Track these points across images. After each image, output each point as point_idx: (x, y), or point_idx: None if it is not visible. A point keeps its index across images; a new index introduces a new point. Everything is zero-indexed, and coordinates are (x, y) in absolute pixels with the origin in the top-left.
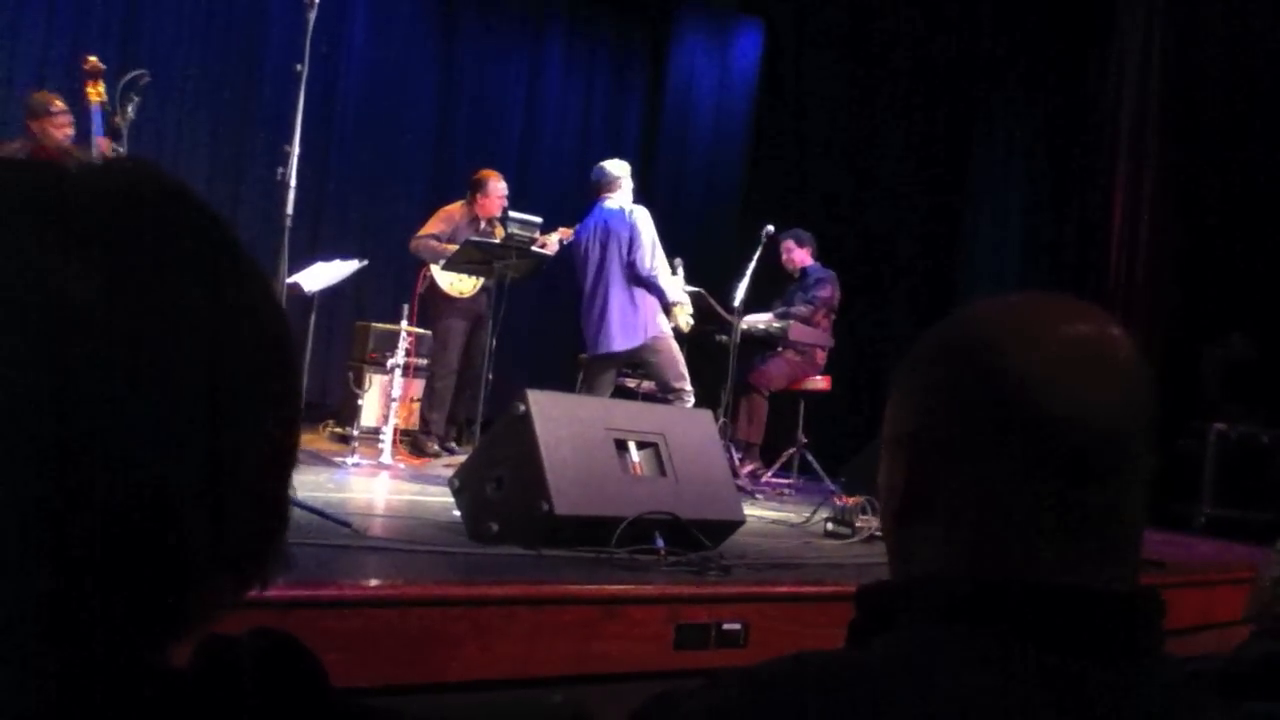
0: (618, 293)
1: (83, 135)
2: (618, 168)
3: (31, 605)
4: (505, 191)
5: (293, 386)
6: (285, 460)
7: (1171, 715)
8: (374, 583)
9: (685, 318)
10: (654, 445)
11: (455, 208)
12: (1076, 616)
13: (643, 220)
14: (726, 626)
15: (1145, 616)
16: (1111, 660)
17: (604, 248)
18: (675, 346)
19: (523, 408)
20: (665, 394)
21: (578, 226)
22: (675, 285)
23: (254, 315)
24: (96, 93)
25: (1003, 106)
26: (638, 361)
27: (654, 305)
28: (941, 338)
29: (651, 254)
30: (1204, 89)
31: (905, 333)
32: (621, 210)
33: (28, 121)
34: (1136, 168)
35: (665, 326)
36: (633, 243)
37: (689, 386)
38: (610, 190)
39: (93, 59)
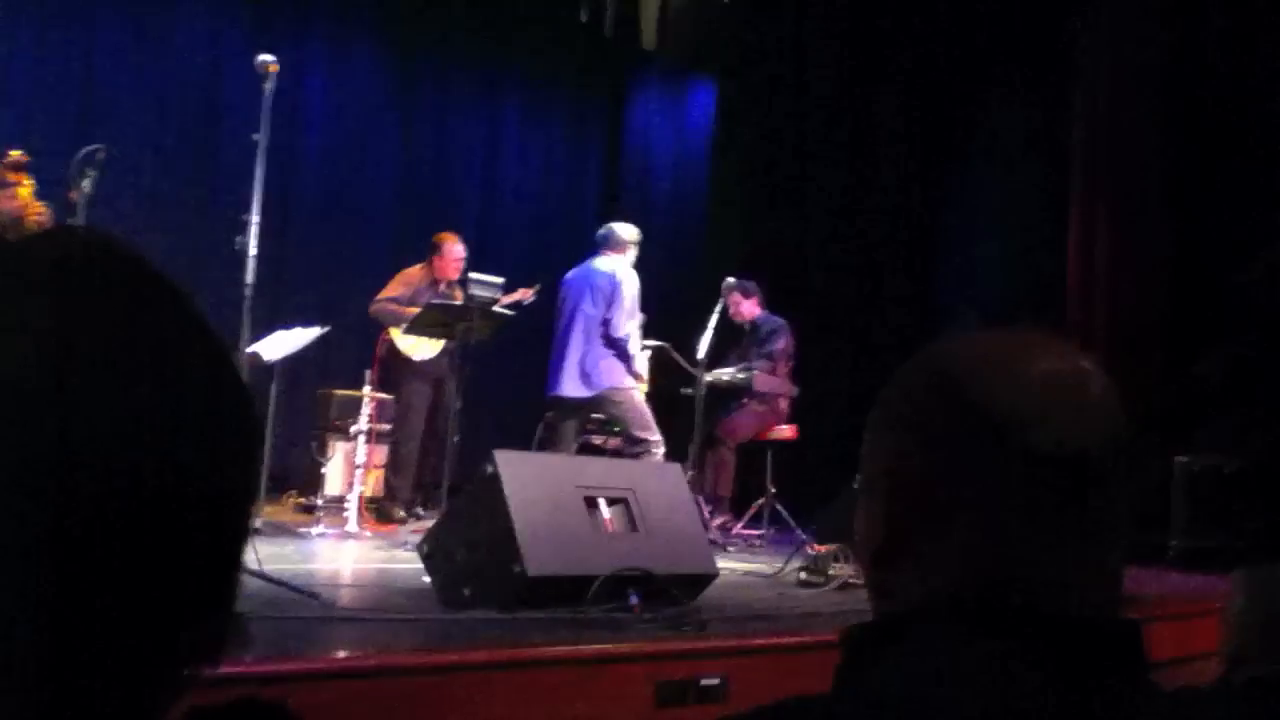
0: (579, 343)
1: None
2: (628, 232)
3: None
4: (462, 254)
5: (247, 450)
6: (236, 526)
7: None
8: (344, 654)
9: (641, 388)
10: (624, 501)
11: (415, 270)
12: (1051, 647)
13: (628, 284)
14: (705, 682)
15: (1124, 646)
16: (1084, 692)
17: (579, 296)
18: (640, 399)
19: (491, 468)
20: (633, 446)
21: (568, 274)
22: (641, 359)
23: (200, 366)
24: (25, 187)
25: (983, 130)
26: (600, 413)
27: (615, 359)
28: (916, 375)
29: (627, 318)
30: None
31: (868, 380)
32: (612, 272)
33: None
34: (1122, 194)
35: (628, 381)
36: (612, 302)
37: (656, 437)
38: (614, 251)
39: (14, 153)
